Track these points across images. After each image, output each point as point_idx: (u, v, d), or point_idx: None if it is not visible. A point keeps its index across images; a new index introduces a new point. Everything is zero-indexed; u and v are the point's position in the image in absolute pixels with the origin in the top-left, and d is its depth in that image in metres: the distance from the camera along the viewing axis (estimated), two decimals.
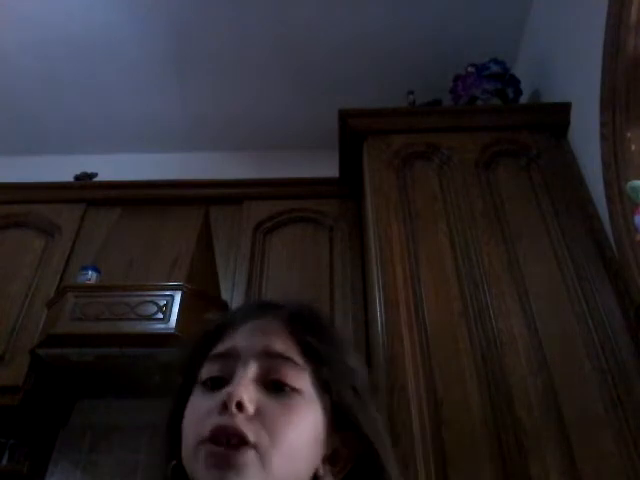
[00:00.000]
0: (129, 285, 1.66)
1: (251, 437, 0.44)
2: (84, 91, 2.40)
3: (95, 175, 2.29)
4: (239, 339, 0.51)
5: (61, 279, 1.82)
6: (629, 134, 1.37)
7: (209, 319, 0.57)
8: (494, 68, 1.95)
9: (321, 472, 0.48)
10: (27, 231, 1.97)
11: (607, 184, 1.41)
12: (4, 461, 1.64)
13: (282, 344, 0.50)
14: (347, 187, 1.98)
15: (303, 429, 0.47)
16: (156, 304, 1.57)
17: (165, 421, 0.52)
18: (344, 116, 1.76)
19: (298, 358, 0.50)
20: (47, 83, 2.36)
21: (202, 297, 1.65)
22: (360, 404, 0.51)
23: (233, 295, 1.75)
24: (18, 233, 1.96)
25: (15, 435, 1.69)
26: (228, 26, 2.15)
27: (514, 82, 1.96)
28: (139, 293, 1.60)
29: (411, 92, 2.03)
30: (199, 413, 0.47)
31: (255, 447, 0.44)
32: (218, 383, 0.48)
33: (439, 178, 1.61)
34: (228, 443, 0.43)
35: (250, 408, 0.45)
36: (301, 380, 0.49)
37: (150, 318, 1.54)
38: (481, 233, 1.47)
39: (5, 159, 2.52)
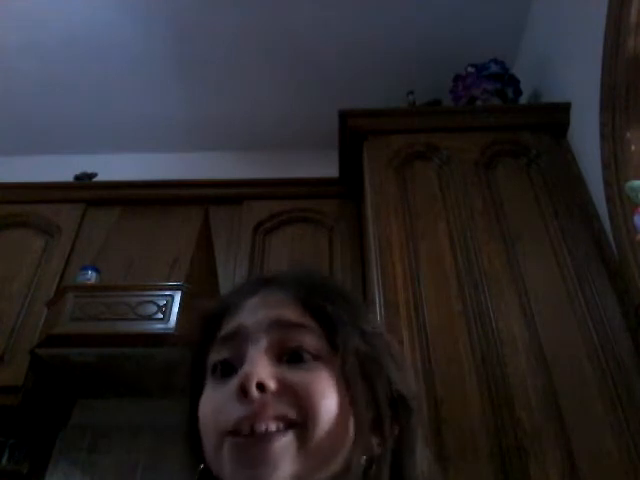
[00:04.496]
0: (129, 285, 1.66)
1: (286, 410, 0.39)
2: (84, 91, 2.40)
3: (95, 175, 2.29)
4: (245, 316, 0.47)
5: (61, 279, 1.82)
6: (629, 134, 1.37)
7: (207, 304, 0.53)
8: (494, 68, 1.95)
9: (362, 441, 0.42)
10: (27, 231, 1.97)
11: (607, 184, 1.41)
12: (4, 461, 1.65)
13: (291, 312, 0.46)
14: (347, 187, 1.98)
15: (336, 398, 0.42)
16: (156, 304, 1.57)
17: (183, 425, 0.47)
18: (344, 116, 1.76)
19: (311, 323, 0.45)
20: (47, 83, 2.36)
21: (202, 297, 1.65)
22: (378, 369, 0.46)
23: None
24: (18, 233, 1.96)
25: (15, 435, 1.69)
26: (228, 26, 2.15)
27: (514, 82, 1.96)
28: (139, 293, 1.60)
29: (411, 92, 2.03)
30: (215, 405, 0.43)
31: (294, 424, 0.39)
32: (229, 369, 0.44)
33: (439, 178, 1.61)
34: (253, 433, 0.39)
35: (272, 385, 0.40)
36: (319, 345, 0.44)
37: (150, 318, 1.54)
38: (481, 233, 1.47)
39: (5, 159, 2.52)
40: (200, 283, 1.70)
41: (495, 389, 1.19)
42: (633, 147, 1.36)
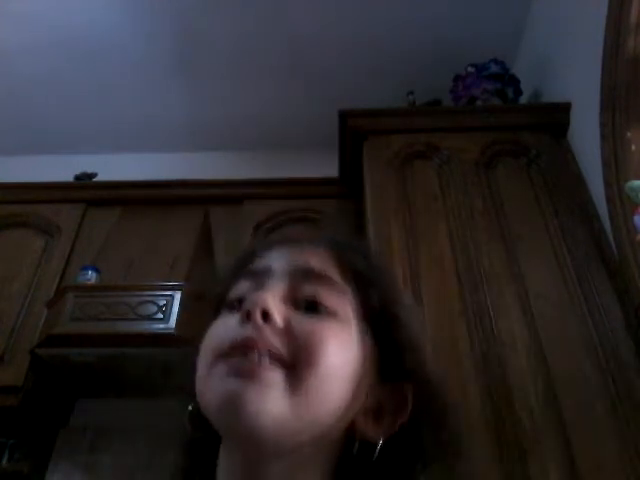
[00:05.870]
0: (129, 285, 1.66)
1: (281, 350, 0.38)
2: (84, 91, 2.40)
3: (95, 175, 2.29)
4: (273, 258, 0.46)
5: (61, 279, 1.82)
6: (629, 134, 1.37)
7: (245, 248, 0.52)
8: (494, 68, 1.95)
9: (361, 424, 0.41)
10: (27, 231, 1.97)
11: (607, 184, 1.41)
12: (4, 461, 1.65)
13: (320, 262, 0.44)
14: (347, 187, 1.98)
15: (341, 355, 0.39)
16: (156, 304, 1.57)
17: (192, 355, 0.44)
18: (344, 116, 1.76)
19: (337, 277, 0.43)
20: (47, 83, 2.36)
21: (202, 297, 1.65)
22: (413, 347, 0.44)
23: None
24: (18, 233, 1.96)
25: (15, 435, 1.69)
26: (228, 27, 2.15)
27: (514, 82, 1.96)
28: (139, 293, 1.60)
29: (411, 92, 2.03)
30: (219, 329, 0.42)
31: (286, 366, 0.38)
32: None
33: (439, 178, 1.61)
34: (250, 359, 0.37)
35: (278, 319, 0.39)
36: (340, 302, 0.42)
37: (150, 318, 1.54)
38: (481, 233, 1.47)
39: (5, 159, 2.52)
40: (200, 283, 1.70)
41: (495, 389, 1.19)
42: (633, 147, 1.36)
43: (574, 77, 1.71)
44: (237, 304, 0.43)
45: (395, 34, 2.17)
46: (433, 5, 2.08)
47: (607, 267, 1.37)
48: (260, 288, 0.42)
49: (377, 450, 0.40)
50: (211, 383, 0.39)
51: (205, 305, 1.58)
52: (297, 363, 0.38)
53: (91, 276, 1.69)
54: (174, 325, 1.52)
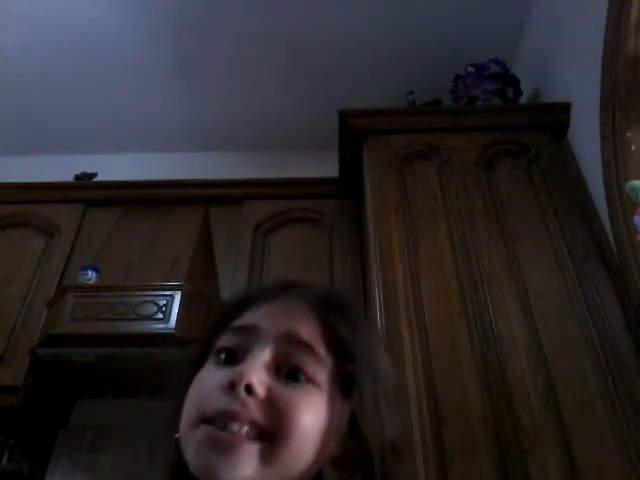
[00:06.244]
0: (129, 285, 1.66)
1: (261, 420, 0.40)
2: (84, 91, 2.40)
3: (95, 175, 2.29)
4: (262, 317, 0.48)
5: (61, 279, 1.82)
6: (629, 134, 1.37)
7: (234, 295, 0.55)
8: (494, 68, 1.95)
9: (326, 474, 0.44)
10: (27, 231, 1.97)
11: (607, 184, 1.41)
12: (4, 461, 1.65)
13: (307, 331, 0.46)
14: (347, 187, 1.98)
15: (315, 420, 0.43)
16: (156, 304, 1.57)
17: (180, 391, 0.48)
18: (344, 116, 1.76)
19: (321, 348, 0.46)
20: (47, 83, 2.36)
21: (202, 297, 1.65)
22: (377, 411, 0.46)
23: None
24: (18, 233, 1.96)
25: (15, 435, 1.69)
26: (228, 27, 2.15)
27: (514, 82, 1.96)
28: (139, 293, 1.60)
29: (411, 92, 2.03)
30: (205, 386, 0.44)
31: (263, 436, 0.40)
32: (231, 358, 0.46)
33: (439, 178, 1.61)
34: (230, 429, 0.40)
35: (260, 391, 0.42)
36: (319, 372, 0.45)
37: (150, 318, 1.54)
38: (481, 233, 1.47)
39: (5, 159, 2.52)
40: (200, 283, 1.70)
41: (495, 389, 1.19)
42: (633, 147, 1.36)
43: (574, 77, 1.71)
44: (224, 354, 0.46)
45: (395, 34, 2.17)
46: (433, 5, 2.08)
47: (607, 267, 1.37)
48: (247, 350, 0.45)
49: None
50: (191, 445, 0.42)
51: (204, 305, 1.58)
52: (274, 433, 0.40)
53: (91, 276, 1.69)
54: (174, 325, 1.52)
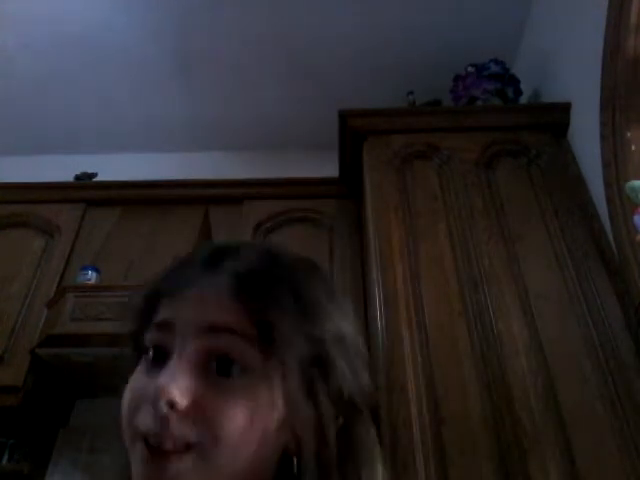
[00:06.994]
0: (129, 285, 1.65)
1: (189, 437, 0.38)
2: (84, 91, 2.40)
3: (95, 175, 2.29)
4: (178, 309, 0.43)
5: (61, 279, 1.82)
6: (629, 134, 1.37)
7: (148, 282, 0.49)
8: (494, 68, 1.95)
9: (292, 447, 0.42)
10: (27, 231, 1.97)
11: (607, 184, 1.41)
12: (4, 461, 1.64)
13: (227, 314, 0.41)
14: (347, 187, 1.98)
15: (255, 416, 0.40)
16: None
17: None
18: (344, 116, 1.76)
19: (248, 329, 0.41)
20: (47, 83, 2.36)
21: None
22: (324, 376, 0.42)
23: None
24: (18, 233, 1.96)
25: (15, 435, 1.69)
26: (229, 26, 2.15)
27: (514, 82, 1.96)
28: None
29: (411, 92, 2.03)
30: (135, 394, 0.42)
31: (194, 448, 0.39)
32: (161, 355, 0.43)
33: (439, 178, 1.61)
34: (162, 446, 0.38)
35: (183, 403, 0.39)
36: (250, 356, 0.41)
37: None
38: (481, 233, 1.47)
39: (5, 159, 2.52)
40: None
41: (495, 389, 1.19)
42: (633, 147, 1.36)
43: (574, 77, 1.71)
44: (151, 353, 0.43)
45: (395, 34, 2.17)
46: (433, 5, 2.08)
47: (607, 267, 1.37)
48: (171, 347, 0.42)
49: (294, 465, 0.42)
50: (133, 459, 0.40)
51: None
52: (204, 441, 0.38)
53: (91, 276, 1.69)
54: None
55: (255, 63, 2.28)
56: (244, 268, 0.44)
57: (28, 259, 1.88)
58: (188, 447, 0.39)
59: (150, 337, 0.44)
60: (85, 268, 1.71)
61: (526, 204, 1.53)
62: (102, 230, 1.95)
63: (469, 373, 1.22)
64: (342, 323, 0.46)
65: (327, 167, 2.07)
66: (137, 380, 0.44)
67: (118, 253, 1.84)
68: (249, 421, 0.39)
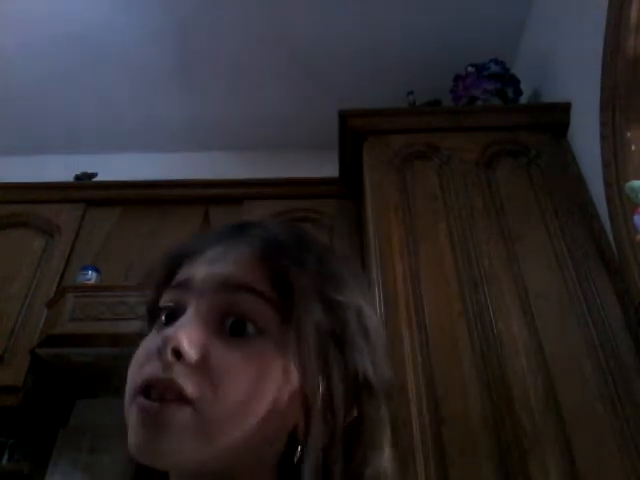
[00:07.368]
0: (129, 285, 1.66)
1: (189, 390, 0.36)
2: (84, 91, 2.40)
3: (95, 175, 2.29)
4: (199, 268, 0.42)
5: (61, 279, 1.82)
6: (629, 134, 1.37)
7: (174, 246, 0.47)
8: (494, 68, 1.95)
9: (302, 427, 0.39)
10: (27, 231, 1.97)
11: (607, 184, 1.41)
12: (4, 461, 1.65)
13: (247, 273, 0.40)
14: (347, 187, 1.98)
15: (264, 383, 0.37)
16: None
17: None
18: (344, 116, 1.76)
19: (268, 290, 0.39)
20: (47, 83, 2.36)
21: None
22: (340, 349, 0.40)
23: None
24: (18, 233, 1.96)
25: (15, 435, 1.69)
26: (229, 26, 2.15)
27: (514, 82, 1.96)
28: (139, 293, 1.60)
29: (411, 92, 2.03)
30: (140, 356, 0.41)
31: (194, 403, 0.36)
32: (172, 318, 0.41)
33: (439, 178, 1.61)
34: (163, 398, 0.36)
35: (191, 354, 0.36)
36: (268, 318, 0.39)
37: None
38: (481, 233, 1.47)
39: (5, 159, 2.52)
40: None
41: (495, 389, 1.19)
42: (633, 147, 1.36)
43: (574, 77, 1.71)
44: (164, 314, 0.42)
45: (395, 34, 2.17)
46: (433, 5, 2.08)
47: (607, 267, 1.37)
48: (185, 306, 0.40)
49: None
50: (129, 424, 0.38)
51: None
52: (203, 402, 0.36)
53: (91, 276, 1.69)
54: None
55: (255, 63, 2.28)
56: (269, 234, 0.43)
57: (28, 259, 1.88)
58: (188, 402, 0.36)
59: (168, 297, 0.42)
60: (85, 268, 1.71)
61: (526, 204, 1.53)
62: (102, 230, 1.96)
63: (469, 373, 1.22)
64: (363, 301, 0.44)
65: (327, 167, 2.07)
66: (148, 339, 0.42)
67: (118, 253, 1.85)
68: (256, 387, 0.37)
